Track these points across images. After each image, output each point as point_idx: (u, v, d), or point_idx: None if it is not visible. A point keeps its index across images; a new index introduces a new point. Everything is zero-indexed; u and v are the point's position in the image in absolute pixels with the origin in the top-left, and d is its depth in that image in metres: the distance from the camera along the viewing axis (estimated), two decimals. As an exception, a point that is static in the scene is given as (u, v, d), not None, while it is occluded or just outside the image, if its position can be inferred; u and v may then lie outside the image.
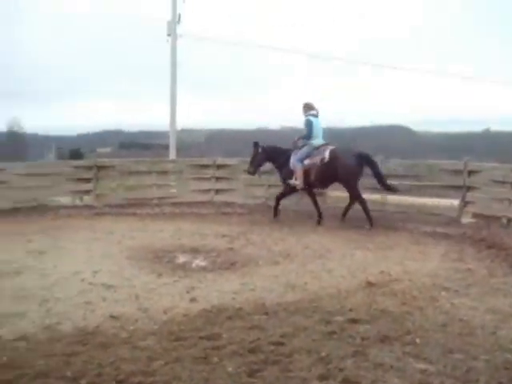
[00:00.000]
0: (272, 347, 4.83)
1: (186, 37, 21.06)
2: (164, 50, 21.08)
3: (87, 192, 14.12)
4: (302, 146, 11.72)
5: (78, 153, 48.07)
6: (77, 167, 14.29)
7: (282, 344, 4.91)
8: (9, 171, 13.74)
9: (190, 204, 14.03)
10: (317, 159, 11.42)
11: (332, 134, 16.61)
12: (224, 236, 10.19)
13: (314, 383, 4.17)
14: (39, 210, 12.95)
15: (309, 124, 11.57)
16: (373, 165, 11.43)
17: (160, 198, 14.38)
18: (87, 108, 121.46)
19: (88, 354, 4.74)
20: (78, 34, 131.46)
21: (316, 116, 11.73)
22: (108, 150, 67.75)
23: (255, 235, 10.35)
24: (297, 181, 11.65)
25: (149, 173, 14.60)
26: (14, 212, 12.71)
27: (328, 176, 11.42)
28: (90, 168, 14.04)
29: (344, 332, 5.22)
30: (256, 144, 12.42)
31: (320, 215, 11.79)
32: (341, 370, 4.36)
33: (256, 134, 57.26)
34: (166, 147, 21.97)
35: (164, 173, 15.08)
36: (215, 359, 4.58)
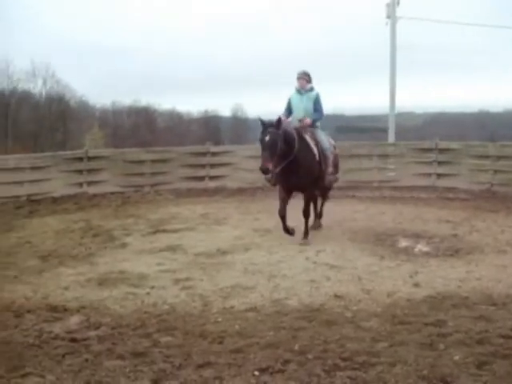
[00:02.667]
0: (501, 340, 4.60)
1: (404, 19, 20.66)
2: (383, 33, 20.89)
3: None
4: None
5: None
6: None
7: (512, 338, 4.65)
8: (237, 153, 14.64)
9: (410, 188, 13.72)
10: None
11: None
12: (447, 222, 9.84)
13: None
14: (262, 190, 13.58)
15: (321, 100, 8.97)
16: None
17: (380, 182, 14.29)
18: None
19: (314, 329, 4.92)
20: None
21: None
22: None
23: (479, 222, 9.86)
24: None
25: (369, 156, 14.57)
26: (240, 192, 13.52)
27: None
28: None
29: None
30: (279, 122, 7.86)
31: None
32: None
33: (479, 117, 54.00)
34: (383, 130, 21.78)
35: (384, 156, 14.93)
36: (441, 346, 4.49)
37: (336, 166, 9.26)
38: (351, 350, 4.43)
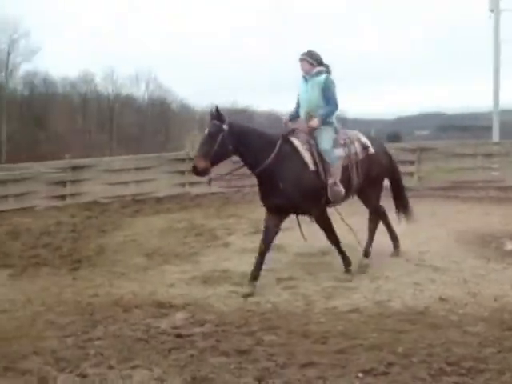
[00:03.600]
0: None
1: (508, 11, 19.80)
2: (485, 27, 20.13)
3: (410, 174, 14.19)
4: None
5: (397, 136, 48.39)
6: (401, 149, 14.43)
7: None
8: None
9: (517, 189, 13.13)
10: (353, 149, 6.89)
11: None
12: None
13: None
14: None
15: (333, 86, 6.81)
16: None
17: (484, 182, 13.76)
18: (406, 91, 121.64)
19: (418, 332, 4.81)
20: (390, 19, 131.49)
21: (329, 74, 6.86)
22: (426, 132, 66.99)
23: None
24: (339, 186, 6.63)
25: (473, 155, 14.06)
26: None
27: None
28: (413, 151, 14.07)
29: None
30: (220, 115, 6.27)
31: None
32: None
33: None
34: (486, 129, 20.96)
35: (488, 155, 14.36)
36: (554, 354, 4.27)
37: (371, 176, 7.04)
38: (458, 354, 4.30)
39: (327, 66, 6.78)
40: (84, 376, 4.17)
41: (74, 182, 12.66)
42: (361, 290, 6.13)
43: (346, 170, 6.68)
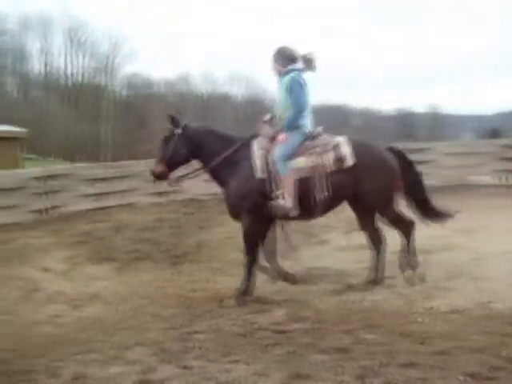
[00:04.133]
0: None
1: None
2: None
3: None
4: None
5: (496, 131, 46.47)
6: (504, 146, 13.87)
7: None
8: (436, 150, 14.16)
9: None
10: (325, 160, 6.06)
11: None
12: None
13: None
14: (461, 188, 13.01)
15: (297, 87, 6.05)
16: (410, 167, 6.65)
17: None
18: (506, 86, 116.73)
19: (526, 336, 4.59)
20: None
21: (302, 72, 6.17)
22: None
23: None
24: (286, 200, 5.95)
25: None
26: (441, 190, 13.04)
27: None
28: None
29: None
30: (173, 118, 6.28)
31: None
32: None
33: None
34: None
35: None
36: None
37: (364, 190, 6.18)
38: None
39: (309, 61, 6.14)
40: (186, 368, 4.26)
41: (174, 178, 12.95)
42: (460, 291, 5.91)
43: (307, 182, 5.96)
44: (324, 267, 7.03)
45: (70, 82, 62.02)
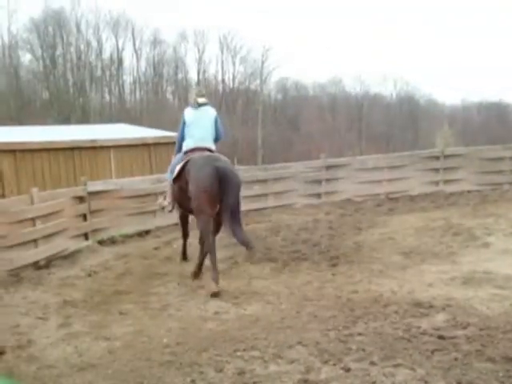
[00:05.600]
0: None
1: None
2: None
3: None
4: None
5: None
6: None
7: None
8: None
9: None
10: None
11: None
12: None
13: None
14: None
15: (181, 119, 7.73)
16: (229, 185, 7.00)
17: None
18: None
19: None
20: None
21: (197, 106, 7.57)
22: None
23: None
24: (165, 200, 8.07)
25: None
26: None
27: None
28: None
29: None
30: None
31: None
32: None
33: None
34: None
35: None
36: None
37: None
38: None
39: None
40: (347, 370, 4.27)
41: (328, 180, 13.03)
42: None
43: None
44: (488, 271, 6.70)
45: (223, 88, 64.46)
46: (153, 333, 5.47)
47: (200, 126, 7.45)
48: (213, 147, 7.51)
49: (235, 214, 6.90)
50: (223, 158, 7.31)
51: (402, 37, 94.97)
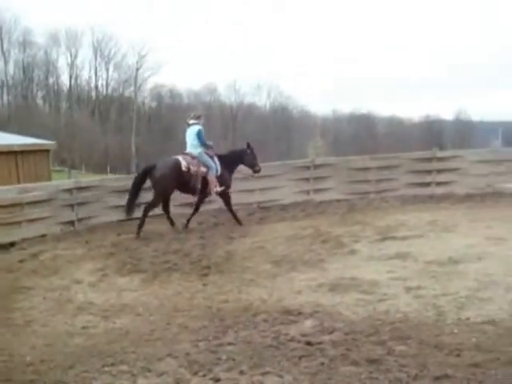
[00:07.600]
0: None
1: None
2: None
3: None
4: None
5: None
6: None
7: None
8: (465, 158, 14.05)
9: None
10: None
11: None
12: None
13: None
14: (493, 196, 12.86)
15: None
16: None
17: None
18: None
19: None
20: None
21: (188, 126, 11.24)
22: None
23: None
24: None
25: None
26: (468, 198, 12.91)
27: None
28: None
29: None
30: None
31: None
32: None
33: None
34: None
35: None
36: None
37: None
38: None
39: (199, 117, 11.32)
40: (217, 380, 4.25)
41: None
42: (495, 301, 5.79)
43: None
44: (354, 277, 6.94)
45: (96, 94, 62.98)
46: (15, 350, 5.22)
47: (189, 140, 10.99)
48: (194, 153, 10.83)
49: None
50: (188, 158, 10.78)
51: (276, 44, 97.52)
